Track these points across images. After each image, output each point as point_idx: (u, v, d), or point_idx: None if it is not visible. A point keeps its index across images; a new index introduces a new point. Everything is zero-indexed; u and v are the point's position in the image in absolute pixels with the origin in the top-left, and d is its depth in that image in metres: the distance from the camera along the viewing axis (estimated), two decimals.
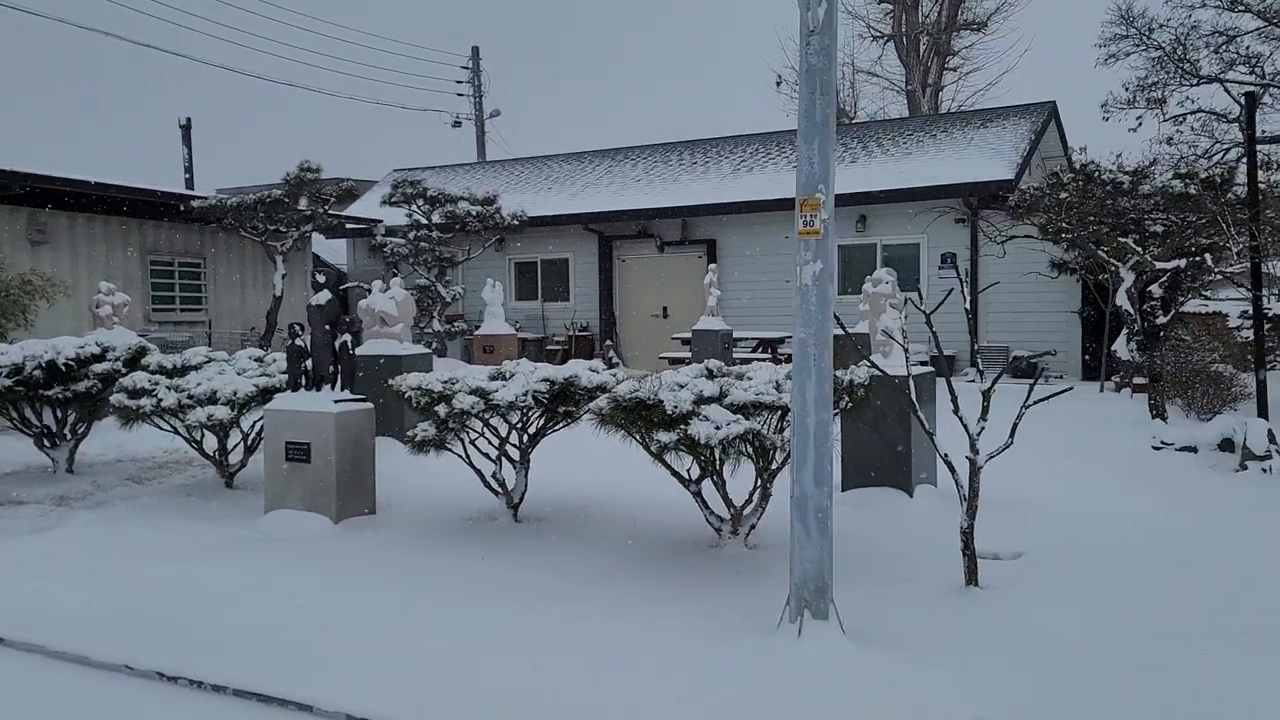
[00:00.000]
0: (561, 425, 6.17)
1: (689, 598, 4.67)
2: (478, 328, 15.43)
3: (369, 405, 6.45)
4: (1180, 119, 18.06)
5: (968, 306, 4.85)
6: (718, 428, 4.83)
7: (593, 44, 73.89)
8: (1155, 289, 10.51)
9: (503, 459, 6.15)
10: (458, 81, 30.82)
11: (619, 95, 66.99)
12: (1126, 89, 18.16)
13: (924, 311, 4.80)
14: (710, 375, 5.36)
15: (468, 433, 5.96)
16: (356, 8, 41.40)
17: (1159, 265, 10.18)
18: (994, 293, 14.03)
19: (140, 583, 5.00)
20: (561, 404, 5.90)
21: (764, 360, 12.68)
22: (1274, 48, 17.25)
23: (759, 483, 5.41)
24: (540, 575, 5.08)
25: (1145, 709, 3.44)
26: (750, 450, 5.08)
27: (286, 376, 6.53)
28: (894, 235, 15.92)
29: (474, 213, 16.01)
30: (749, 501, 5.47)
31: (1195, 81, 17.72)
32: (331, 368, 6.35)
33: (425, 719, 3.47)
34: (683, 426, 4.88)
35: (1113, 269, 10.78)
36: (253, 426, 7.30)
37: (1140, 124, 18.28)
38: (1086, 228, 10.95)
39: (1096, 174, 11.05)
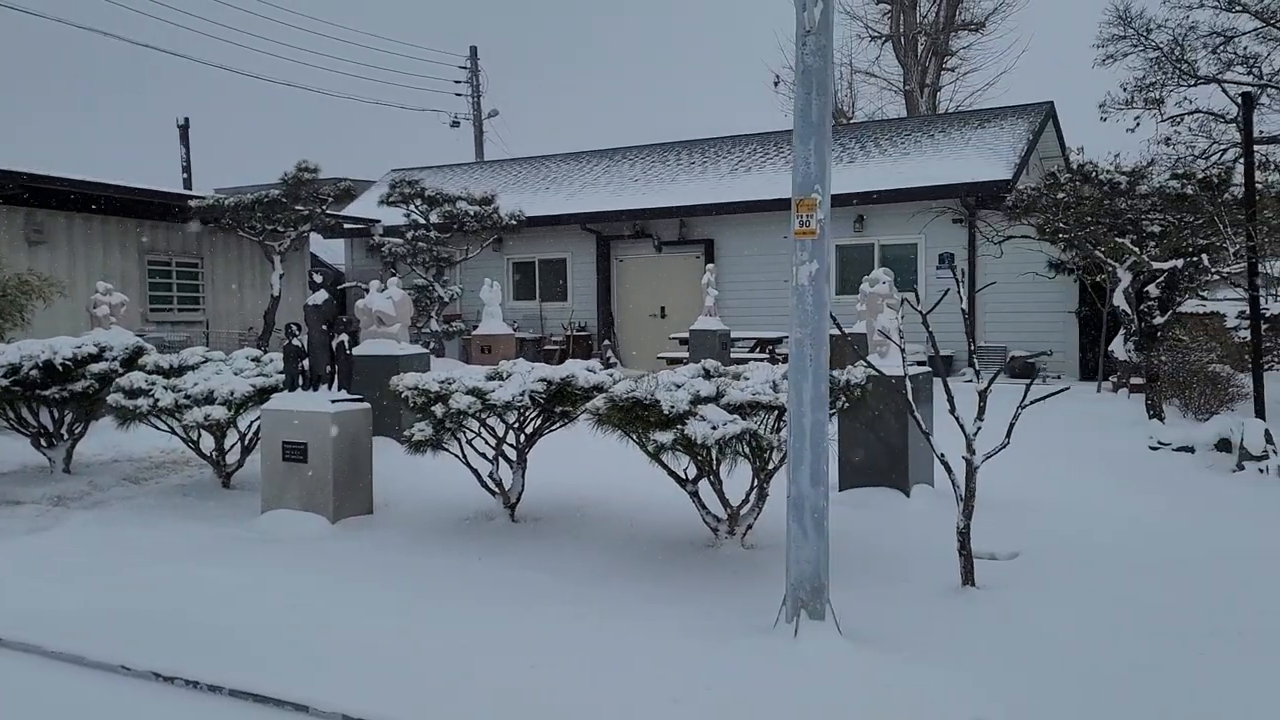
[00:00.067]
0: (558, 425, 6.17)
1: (686, 598, 4.67)
2: (475, 328, 15.42)
3: (366, 405, 6.45)
4: (1178, 119, 18.08)
5: (964, 306, 4.85)
6: (714, 428, 4.83)
7: (591, 44, 73.91)
8: (1152, 289, 10.52)
9: (500, 459, 6.15)
10: (456, 81, 30.84)
11: (617, 96, 67.01)
12: (1124, 89, 18.19)
13: (920, 311, 4.81)
14: (707, 375, 5.36)
15: (465, 433, 5.96)
16: (355, 8, 41.38)
17: (1156, 265, 10.19)
18: (992, 293, 14.04)
19: (137, 583, 5.00)
20: (558, 404, 5.91)
21: (761, 360, 12.69)
22: (1272, 48, 17.27)
23: (756, 483, 5.41)
24: (537, 575, 5.09)
25: (1142, 709, 3.44)
26: (747, 450, 5.08)
27: (283, 376, 6.53)
28: (892, 235, 15.93)
29: (472, 212, 16.01)
30: (746, 501, 5.48)
31: (1193, 82, 17.74)
32: (328, 368, 6.35)
33: (423, 719, 3.47)
34: (679, 426, 4.88)
35: (1110, 269, 10.79)
36: (250, 426, 7.30)
37: (1138, 124, 18.31)
38: (1084, 228, 10.95)
39: (1094, 174, 11.06)
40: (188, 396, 6.86)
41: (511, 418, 5.99)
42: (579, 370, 5.86)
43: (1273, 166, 13.35)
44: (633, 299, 18.67)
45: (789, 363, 4.02)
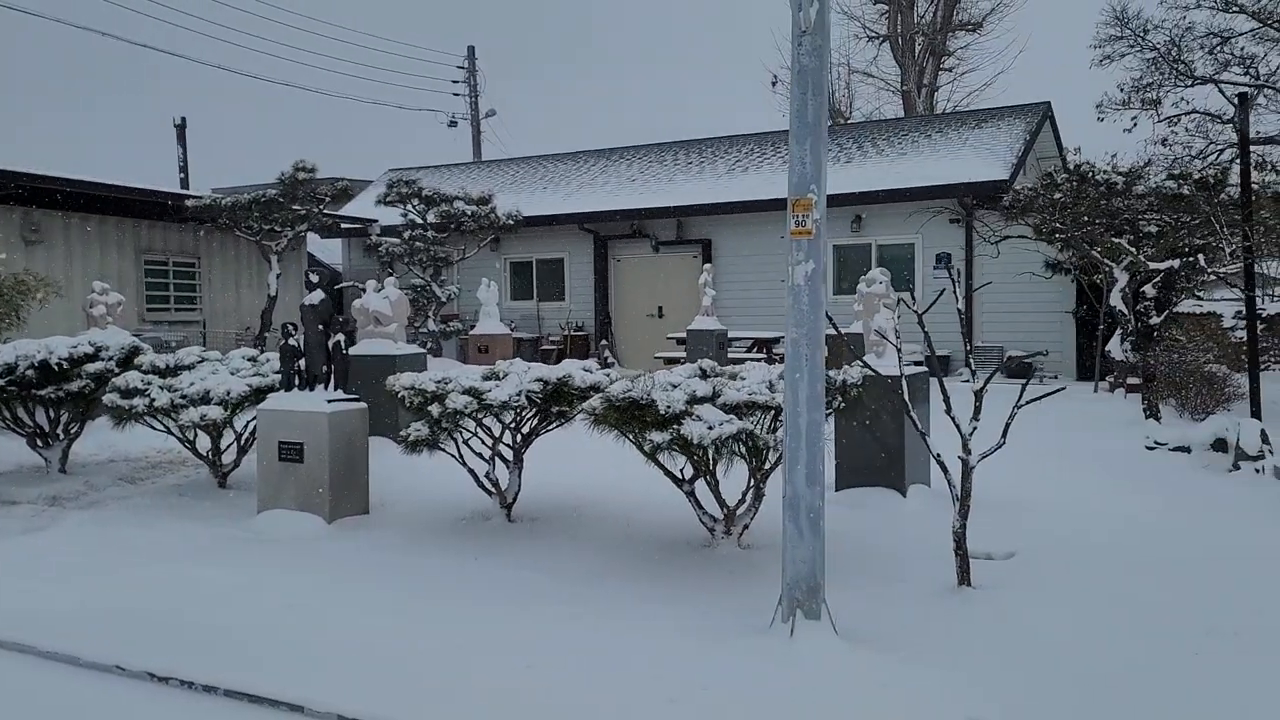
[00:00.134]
0: (555, 425, 6.16)
1: (682, 597, 4.67)
2: (473, 327, 15.41)
3: (362, 405, 6.44)
4: (1175, 120, 18.08)
5: (960, 307, 4.85)
6: (710, 428, 4.83)
7: (589, 44, 73.91)
8: (1149, 289, 10.54)
9: (496, 459, 6.14)
10: (453, 81, 30.84)
11: (615, 96, 67.01)
12: (1121, 90, 18.18)
13: (916, 312, 4.81)
14: (703, 375, 5.36)
15: (461, 432, 5.96)
16: (352, 8, 41.36)
17: (1152, 266, 10.20)
18: (989, 293, 14.05)
19: (134, 583, 4.99)
20: (555, 404, 5.90)
21: (759, 360, 12.69)
22: (1269, 48, 17.27)
23: (752, 482, 5.41)
24: (534, 575, 5.08)
25: (1139, 709, 3.44)
26: (743, 450, 5.08)
27: (280, 376, 6.53)
28: (889, 235, 15.94)
29: (469, 212, 16.00)
30: (742, 501, 5.47)
31: (1190, 82, 17.73)
32: (325, 367, 6.35)
33: (420, 719, 3.47)
34: (676, 426, 4.88)
35: (1107, 269, 10.80)
36: (246, 426, 7.29)
37: (1135, 125, 18.29)
38: (1080, 228, 10.97)
39: (1090, 174, 11.07)
40: (184, 396, 6.85)
41: (508, 417, 5.99)
42: (575, 370, 5.86)
43: (1269, 167, 13.37)
44: (630, 299, 18.67)
45: (785, 363, 4.02)
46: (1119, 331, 10.87)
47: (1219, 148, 17.26)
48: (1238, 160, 9.92)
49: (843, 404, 5.54)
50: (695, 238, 17.72)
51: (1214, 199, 10.07)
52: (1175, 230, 10.48)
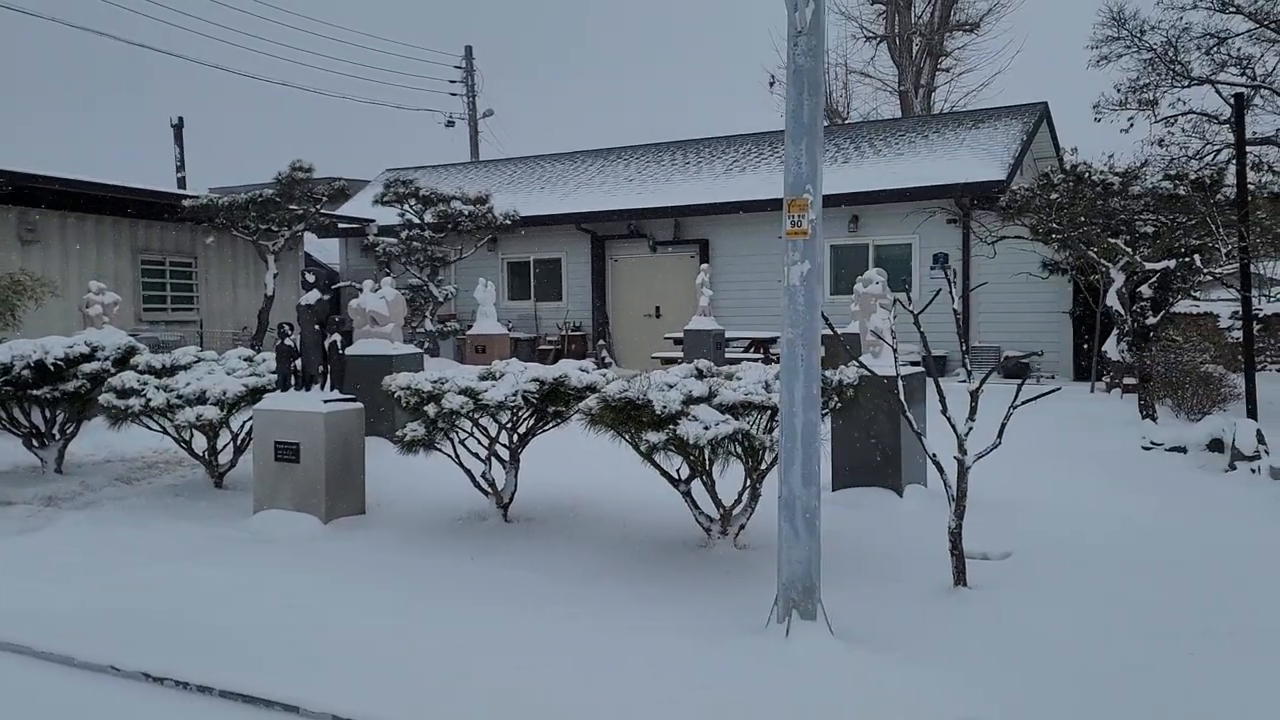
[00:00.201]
0: (551, 425, 6.16)
1: (679, 598, 4.67)
2: (470, 327, 15.41)
3: (358, 405, 6.44)
4: (1172, 120, 18.12)
5: (956, 307, 4.85)
6: (706, 428, 4.83)
7: (586, 44, 73.89)
8: (1145, 289, 10.54)
9: (492, 459, 6.14)
10: (451, 81, 30.83)
11: (613, 96, 67.02)
12: (1118, 90, 18.22)
13: (912, 312, 4.81)
14: (699, 375, 5.36)
15: (457, 433, 5.95)
16: (350, 7, 41.34)
17: (1149, 266, 10.21)
18: (986, 293, 14.05)
19: (130, 583, 4.99)
20: (551, 404, 5.90)
21: (756, 360, 12.70)
22: (1265, 49, 17.31)
23: (748, 483, 5.41)
24: (530, 575, 5.08)
25: (1137, 709, 3.45)
26: (739, 450, 5.08)
27: (276, 376, 6.52)
28: (886, 235, 15.94)
29: (466, 212, 15.99)
30: (738, 502, 5.47)
31: (1186, 83, 17.77)
32: (321, 367, 6.34)
33: (420, 718, 3.47)
34: (672, 426, 4.88)
35: (1103, 269, 10.81)
36: (242, 426, 7.28)
37: (1132, 125, 18.37)
38: (1077, 228, 10.97)
39: (1087, 175, 11.08)
40: (180, 396, 6.84)
41: (504, 418, 5.98)
42: (572, 370, 5.85)
43: (1266, 167, 13.38)
44: (627, 299, 18.67)
45: (781, 363, 4.02)
46: (1115, 332, 10.88)
47: (1215, 148, 17.31)
48: (1234, 161, 9.93)
49: (839, 404, 5.54)
50: (693, 238, 17.72)
51: (1210, 199, 10.08)
52: (1171, 231, 10.49)
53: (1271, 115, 17.70)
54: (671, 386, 5.05)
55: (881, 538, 5.59)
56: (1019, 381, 4.76)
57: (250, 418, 6.73)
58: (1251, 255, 9.87)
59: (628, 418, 5.01)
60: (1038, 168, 16.01)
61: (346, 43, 64.12)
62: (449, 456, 6.03)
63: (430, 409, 5.71)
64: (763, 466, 5.28)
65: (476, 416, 5.83)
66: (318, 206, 14.94)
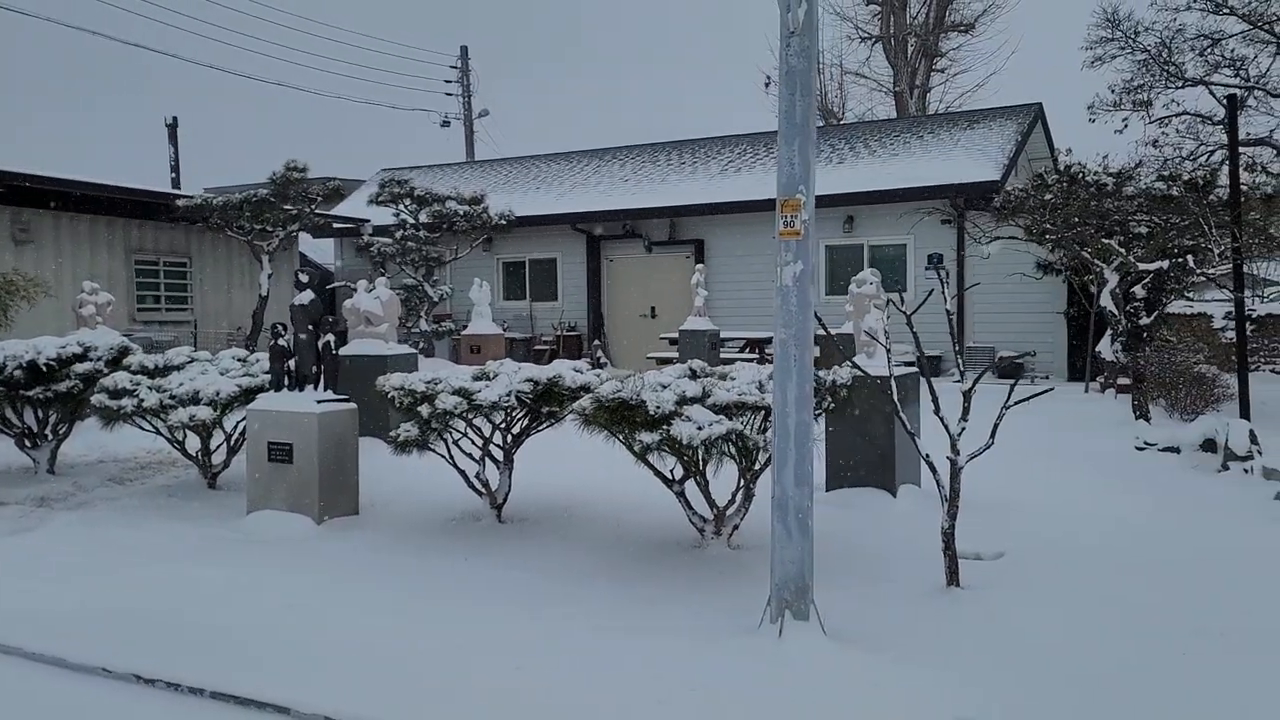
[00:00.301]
0: (545, 425, 6.16)
1: (673, 598, 4.67)
2: (465, 327, 15.39)
3: (352, 405, 6.43)
4: (1166, 121, 18.14)
5: (949, 307, 4.86)
6: (700, 428, 4.83)
7: (582, 44, 73.88)
8: (1139, 290, 10.56)
9: (486, 459, 6.13)
10: (446, 81, 30.82)
11: (608, 96, 67.02)
12: (1112, 91, 18.24)
13: (904, 313, 4.81)
14: (693, 375, 5.35)
15: (451, 433, 5.95)
16: (345, 7, 41.29)
17: (1142, 267, 10.23)
18: (981, 293, 14.08)
19: (125, 583, 4.98)
20: (545, 404, 5.90)
21: (751, 360, 12.70)
22: (1258, 50, 17.35)
23: (742, 483, 5.41)
24: (525, 576, 5.08)
25: (1135, 710, 3.45)
26: (733, 450, 5.08)
27: (269, 376, 6.51)
28: (881, 236, 15.96)
29: (461, 212, 15.97)
30: (732, 502, 5.47)
31: (1180, 84, 17.80)
32: (315, 368, 6.33)
33: (420, 718, 3.47)
34: (665, 427, 4.88)
35: (1097, 270, 10.83)
36: (236, 427, 7.26)
37: (1126, 126, 18.36)
38: (1071, 229, 10.99)
39: (1081, 175, 11.10)
40: (173, 397, 6.82)
41: (498, 418, 5.98)
42: (566, 370, 5.85)
43: (1259, 168, 13.41)
44: (623, 299, 18.66)
45: (774, 363, 4.02)
46: (1109, 332, 10.90)
47: (1209, 149, 17.34)
48: (1227, 162, 9.96)
49: (832, 405, 5.54)
50: (688, 238, 17.73)
51: (1203, 200, 10.10)
52: (1165, 231, 10.52)
53: (1265, 116, 17.75)
54: (665, 387, 5.05)
55: (875, 538, 5.59)
56: (1012, 382, 4.76)
57: (244, 418, 6.71)
58: (1244, 256, 9.89)
59: (621, 418, 5.00)
60: (1032, 168, 16.03)
61: (342, 43, 64.23)
62: (443, 457, 6.02)
63: (424, 409, 5.70)
64: (756, 467, 5.28)
65: (470, 417, 5.82)
66: (312, 206, 14.90)
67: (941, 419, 4.61)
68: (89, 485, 7.46)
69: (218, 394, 6.82)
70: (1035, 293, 14.46)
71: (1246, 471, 7.25)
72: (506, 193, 19.52)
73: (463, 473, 6.08)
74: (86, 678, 3.96)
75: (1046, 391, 4.80)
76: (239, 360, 7.57)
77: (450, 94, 30.73)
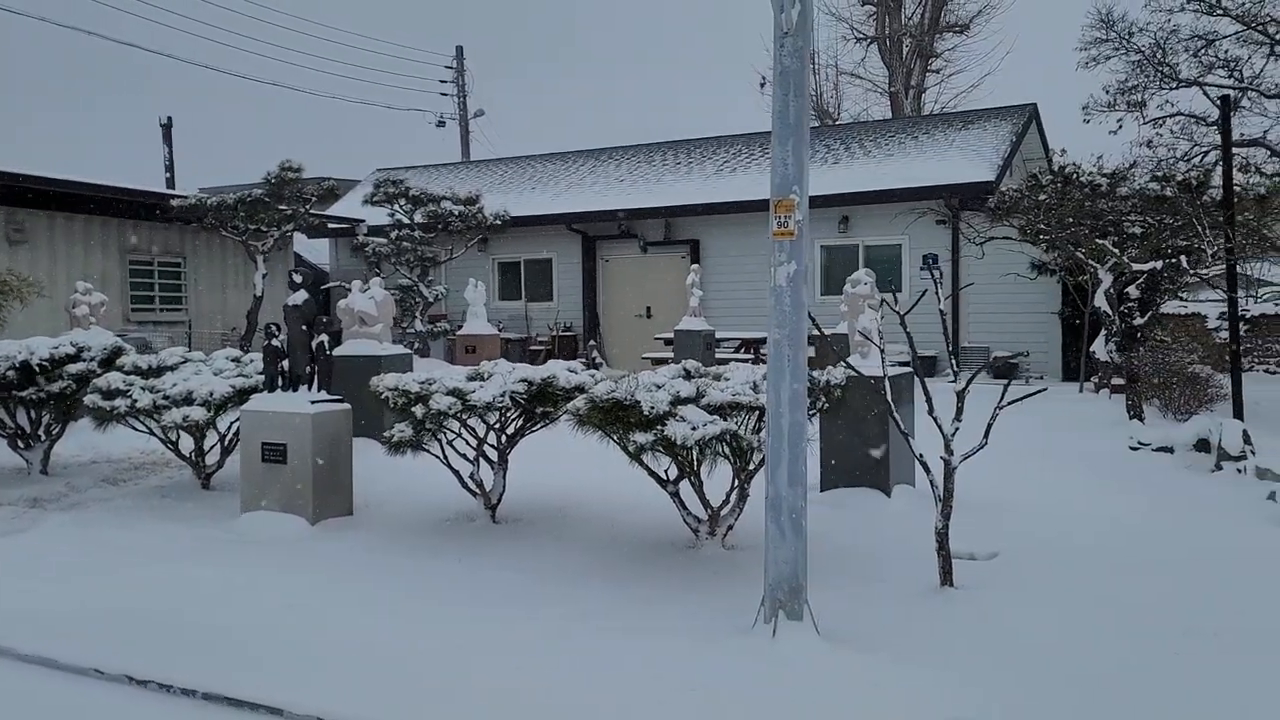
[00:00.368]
0: (540, 426, 6.15)
1: (668, 598, 4.67)
2: (460, 328, 15.38)
3: (346, 406, 6.42)
4: (1160, 122, 18.16)
5: (942, 307, 4.86)
6: (694, 428, 4.83)
7: (577, 44, 73.86)
8: (1133, 290, 10.58)
9: (481, 460, 6.13)
10: (442, 81, 30.77)
11: (604, 96, 67.02)
12: (1107, 92, 18.25)
13: (898, 313, 4.82)
14: (688, 376, 5.36)
15: (445, 433, 5.94)
16: (341, 7, 41.23)
17: (1136, 267, 10.25)
18: (976, 294, 14.10)
19: (118, 584, 4.96)
20: (540, 404, 5.89)
21: (746, 361, 12.70)
22: (1252, 51, 17.38)
23: (736, 483, 5.41)
24: (519, 577, 5.07)
25: (1135, 710, 3.45)
26: (727, 451, 5.08)
27: (263, 377, 6.49)
28: (876, 236, 15.98)
29: (457, 212, 15.96)
30: (726, 502, 5.47)
31: (1174, 85, 17.82)
32: (308, 368, 6.32)
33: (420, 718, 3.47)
34: (659, 427, 4.87)
35: (1091, 270, 10.85)
36: (229, 427, 7.25)
37: (1120, 127, 18.37)
38: (1065, 229, 11.01)
39: (1075, 176, 11.12)
40: (166, 397, 6.81)
41: (492, 418, 5.97)
42: (560, 371, 5.84)
43: (1252, 169, 13.44)
44: (618, 299, 18.66)
45: (768, 363, 4.02)
46: (1103, 332, 10.92)
47: (1203, 150, 17.36)
48: (1221, 162, 9.98)
49: (826, 405, 5.54)
50: (683, 238, 17.73)
51: (1197, 201, 10.12)
52: (1159, 232, 10.54)
53: (1258, 117, 17.77)
54: (659, 387, 5.05)
55: (868, 538, 5.60)
56: (1006, 382, 4.77)
57: (237, 419, 6.70)
58: (1238, 256, 9.91)
59: (615, 418, 5.00)
60: (1027, 169, 16.05)
61: (337, 43, 64.01)
62: (437, 457, 6.01)
63: (418, 410, 5.69)
64: (750, 467, 5.28)
65: (464, 417, 5.81)
66: (307, 207, 14.89)
67: (935, 419, 4.61)
68: (82, 486, 7.44)
69: (211, 394, 6.81)
70: (1030, 293, 14.48)
71: (1240, 471, 7.27)
72: (502, 193, 19.51)
73: (457, 473, 6.08)
74: (79, 679, 3.95)
75: (1040, 391, 4.80)
76: (233, 361, 7.56)
77: (445, 94, 30.72)
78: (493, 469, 6.18)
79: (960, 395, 4.63)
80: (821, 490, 6.51)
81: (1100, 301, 10.56)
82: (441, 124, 30.50)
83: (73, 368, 7.54)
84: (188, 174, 27.64)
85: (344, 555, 5.53)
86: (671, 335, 14.52)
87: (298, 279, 6.40)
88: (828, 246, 16.25)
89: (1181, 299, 12.23)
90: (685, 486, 5.43)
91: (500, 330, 16.22)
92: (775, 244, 3.94)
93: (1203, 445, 7.65)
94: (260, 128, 58.87)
